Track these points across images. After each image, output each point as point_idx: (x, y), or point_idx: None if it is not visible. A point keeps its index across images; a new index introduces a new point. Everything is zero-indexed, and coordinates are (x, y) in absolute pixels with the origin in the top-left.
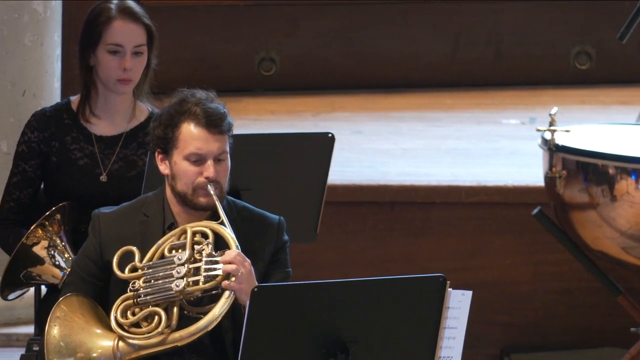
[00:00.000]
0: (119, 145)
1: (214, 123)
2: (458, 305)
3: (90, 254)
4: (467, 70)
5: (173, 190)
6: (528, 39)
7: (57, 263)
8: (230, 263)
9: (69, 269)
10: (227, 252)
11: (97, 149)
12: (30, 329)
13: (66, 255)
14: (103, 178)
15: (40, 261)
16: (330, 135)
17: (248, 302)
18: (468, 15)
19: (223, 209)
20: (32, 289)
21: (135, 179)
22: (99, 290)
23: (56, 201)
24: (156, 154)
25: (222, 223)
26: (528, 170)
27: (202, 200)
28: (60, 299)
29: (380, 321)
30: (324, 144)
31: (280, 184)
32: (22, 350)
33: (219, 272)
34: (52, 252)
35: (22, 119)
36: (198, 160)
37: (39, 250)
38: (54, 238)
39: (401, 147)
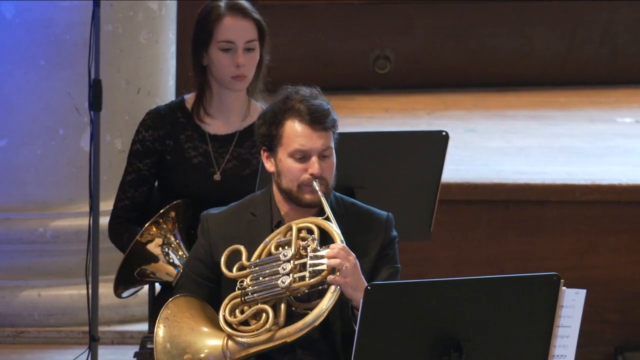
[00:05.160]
0: (233, 143)
1: (318, 119)
2: (572, 304)
3: (200, 255)
4: (581, 69)
5: (279, 187)
6: None
7: (171, 261)
8: (334, 257)
9: (181, 270)
10: (332, 247)
11: (211, 147)
12: (144, 327)
13: (180, 253)
14: (217, 177)
15: (154, 259)
16: (444, 133)
17: (362, 300)
18: (583, 13)
19: (331, 205)
20: (146, 287)
21: (249, 177)
22: (211, 292)
23: (170, 199)
24: (262, 151)
25: (327, 218)
26: None
27: (308, 197)
28: (169, 300)
29: (494, 320)
30: (438, 142)
31: (394, 182)
32: (136, 348)
33: (324, 267)
34: (166, 249)
35: (136, 117)
36: (302, 157)
37: (153, 247)
38: (168, 236)
39: (515, 145)
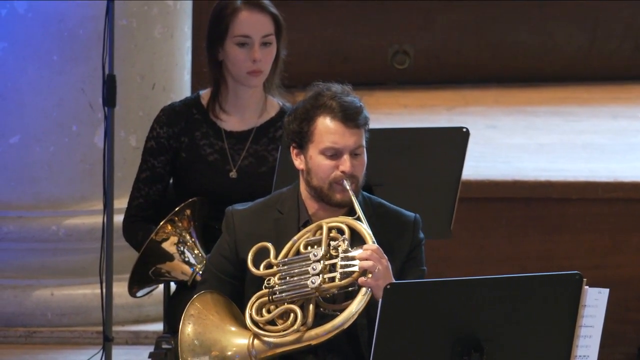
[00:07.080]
0: (249, 140)
1: (350, 117)
2: (594, 303)
3: (224, 252)
4: (604, 64)
5: (308, 185)
6: None
7: (186, 259)
8: (367, 259)
9: (203, 267)
10: (364, 248)
11: (227, 144)
12: (159, 326)
13: (196, 252)
14: (233, 174)
15: (169, 257)
16: (464, 129)
17: (380, 300)
18: (605, 7)
19: (359, 205)
20: (161, 286)
21: (266, 175)
22: (234, 289)
23: (185, 197)
24: (291, 148)
25: (358, 218)
26: None
27: (338, 196)
28: (195, 296)
29: (515, 319)
30: (458, 138)
31: (414, 179)
32: (151, 348)
33: (356, 268)
34: (182, 248)
35: (151, 113)
36: (334, 154)
37: (169, 246)
38: (183, 234)
39: (536, 142)
